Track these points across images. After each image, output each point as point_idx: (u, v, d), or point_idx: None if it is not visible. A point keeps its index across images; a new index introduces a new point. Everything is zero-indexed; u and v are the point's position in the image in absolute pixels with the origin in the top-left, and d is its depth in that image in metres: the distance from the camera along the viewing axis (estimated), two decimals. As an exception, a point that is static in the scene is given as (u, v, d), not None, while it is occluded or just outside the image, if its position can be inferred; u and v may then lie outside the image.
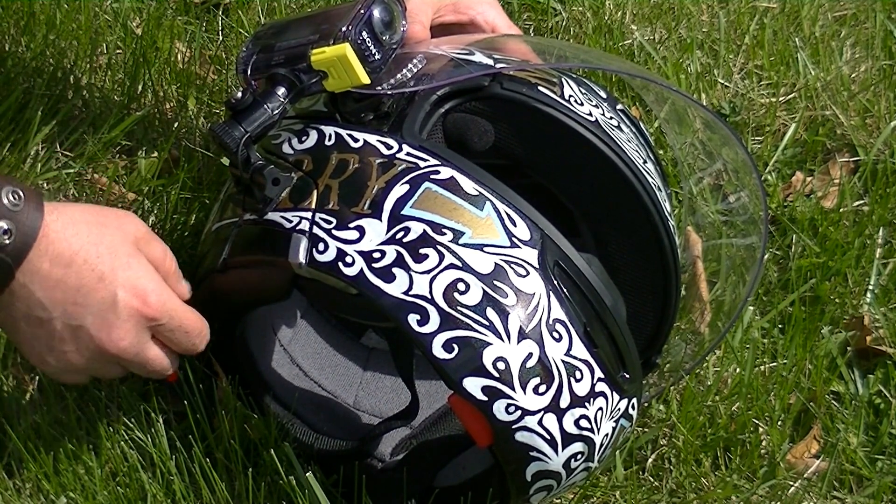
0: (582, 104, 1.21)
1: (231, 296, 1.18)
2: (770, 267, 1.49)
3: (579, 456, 1.11)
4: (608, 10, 1.81)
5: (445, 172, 1.10)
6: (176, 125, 1.55)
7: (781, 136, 1.66)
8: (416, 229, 1.07)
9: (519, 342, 1.07)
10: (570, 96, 1.20)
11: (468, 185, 1.09)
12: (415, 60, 1.13)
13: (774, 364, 1.39)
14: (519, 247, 1.08)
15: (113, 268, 1.06)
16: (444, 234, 1.07)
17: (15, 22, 1.63)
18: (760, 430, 1.33)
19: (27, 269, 1.04)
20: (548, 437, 1.09)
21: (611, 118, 1.22)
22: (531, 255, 1.08)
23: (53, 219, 1.04)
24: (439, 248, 1.07)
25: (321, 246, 1.08)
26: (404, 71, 1.12)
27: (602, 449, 1.13)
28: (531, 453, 1.09)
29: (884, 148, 1.63)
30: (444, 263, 1.07)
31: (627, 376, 1.13)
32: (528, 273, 1.08)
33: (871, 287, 1.48)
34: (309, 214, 1.10)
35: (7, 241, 1.02)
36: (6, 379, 1.28)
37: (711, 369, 1.38)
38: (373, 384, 1.32)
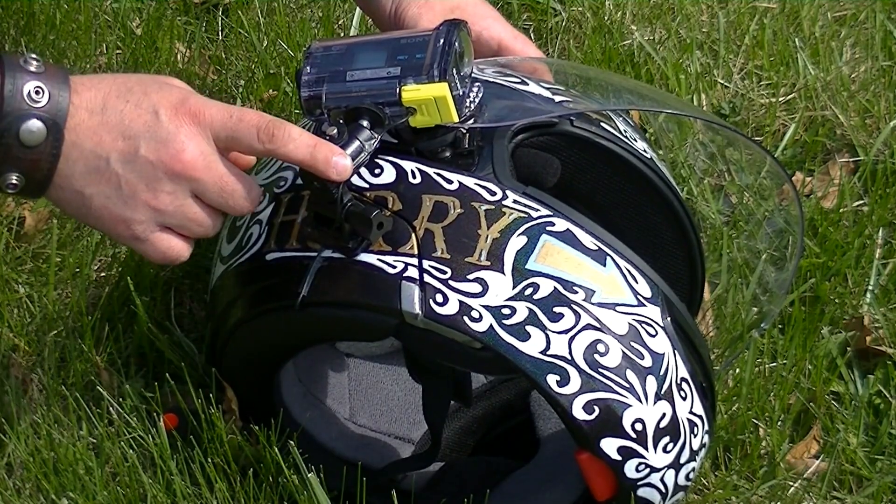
0: (636, 140, 1.20)
1: (299, 335, 1.15)
2: (770, 267, 1.49)
3: (676, 503, 1.14)
4: (608, 10, 1.81)
5: (560, 224, 1.08)
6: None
7: (781, 136, 1.66)
8: (546, 286, 1.06)
9: (656, 403, 1.07)
10: (625, 131, 1.20)
11: (587, 240, 1.08)
12: (474, 90, 1.10)
13: (774, 364, 1.39)
14: (645, 305, 1.08)
15: (146, 92, 1.04)
16: (577, 292, 1.06)
17: (15, 22, 1.63)
18: (760, 430, 1.33)
19: (70, 126, 1.02)
20: (664, 490, 1.11)
21: (652, 151, 1.23)
22: (655, 313, 1.08)
23: (76, 77, 1.03)
24: (574, 307, 1.06)
25: (439, 297, 1.05)
26: (468, 102, 1.09)
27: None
28: None
29: (883, 148, 1.63)
30: (582, 323, 1.06)
31: (715, 421, 1.15)
32: (656, 333, 1.08)
33: (870, 287, 1.48)
34: (415, 261, 1.07)
35: (43, 102, 1.01)
36: (6, 379, 1.28)
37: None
38: (362, 396, 1.30)
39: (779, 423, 1.34)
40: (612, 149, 1.18)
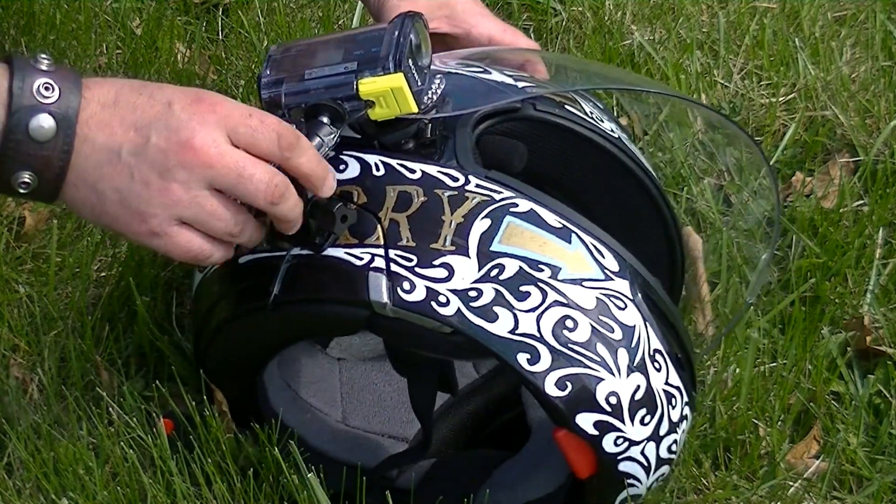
0: (602, 121, 1.21)
1: (276, 334, 1.15)
2: (770, 267, 1.49)
3: (661, 477, 1.14)
4: (608, 10, 1.81)
5: (524, 205, 1.08)
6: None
7: (781, 136, 1.66)
8: (512, 266, 1.06)
9: (629, 375, 1.07)
10: (591, 112, 1.20)
11: (551, 218, 1.08)
12: (437, 81, 1.10)
13: (774, 364, 1.39)
14: (613, 279, 1.08)
15: (160, 87, 1.02)
16: (542, 269, 1.06)
17: (15, 22, 1.63)
18: (760, 430, 1.33)
19: (82, 119, 1.00)
20: (646, 464, 1.11)
21: (621, 131, 1.23)
22: (624, 286, 1.08)
23: (88, 78, 1.02)
24: (540, 284, 1.06)
25: (406, 285, 1.06)
26: (430, 94, 1.09)
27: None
28: (628, 481, 1.11)
29: (884, 148, 1.63)
30: (549, 300, 1.06)
31: (695, 393, 1.15)
32: (626, 306, 1.08)
33: (870, 287, 1.48)
34: (381, 251, 1.07)
35: (53, 98, 0.99)
36: (6, 379, 1.28)
37: (711, 369, 1.38)
38: (354, 398, 1.31)
39: (779, 423, 1.34)
40: (576, 130, 1.18)
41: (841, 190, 1.57)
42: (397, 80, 1.05)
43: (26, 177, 1.01)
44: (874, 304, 1.46)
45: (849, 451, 1.32)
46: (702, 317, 1.44)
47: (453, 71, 1.15)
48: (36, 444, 1.22)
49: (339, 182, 1.09)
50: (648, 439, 1.10)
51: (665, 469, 1.13)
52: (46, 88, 1.00)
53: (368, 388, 1.31)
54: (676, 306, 1.26)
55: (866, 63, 1.75)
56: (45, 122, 1.00)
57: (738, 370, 1.37)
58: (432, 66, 1.12)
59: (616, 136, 1.20)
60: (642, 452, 1.10)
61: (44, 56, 1.01)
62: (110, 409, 1.25)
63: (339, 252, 1.08)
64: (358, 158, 1.10)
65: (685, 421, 1.13)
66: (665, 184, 1.55)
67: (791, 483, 1.30)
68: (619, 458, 1.09)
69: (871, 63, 1.75)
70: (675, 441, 1.12)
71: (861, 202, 1.58)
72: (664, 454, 1.12)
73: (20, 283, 1.38)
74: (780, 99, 1.69)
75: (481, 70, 1.16)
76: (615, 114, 1.63)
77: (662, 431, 1.10)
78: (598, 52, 1.73)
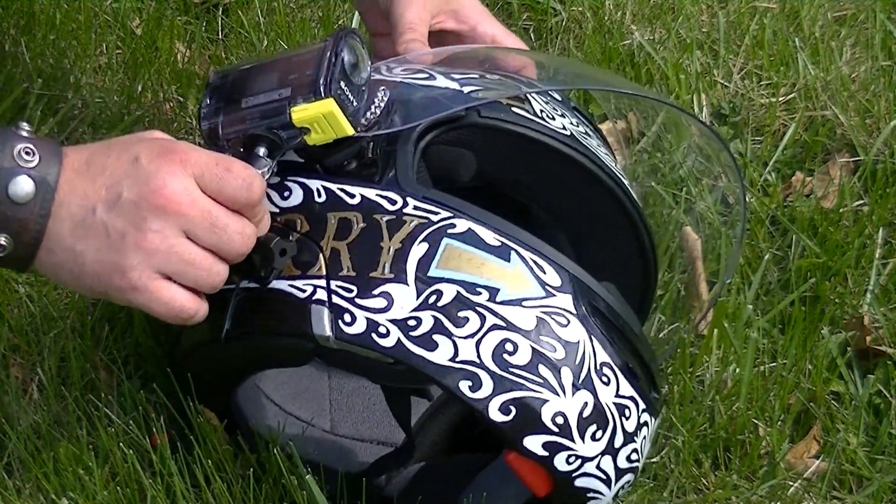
0: (553, 118, 1.18)
1: (235, 364, 1.15)
2: (770, 267, 1.49)
3: (627, 484, 1.13)
4: (608, 10, 1.81)
5: (461, 224, 1.06)
6: (176, 125, 1.55)
7: (781, 136, 1.66)
8: (449, 291, 1.05)
9: (574, 394, 1.06)
10: (542, 111, 1.18)
11: (488, 236, 1.07)
12: (379, 94, 1.08)
13: (774, 364, 1.39)
14: (554, 295, 1.07)
15: (126, 146, 1.02)
16: (480, 293, 1.05)
17: (15, 22, 1.63)
18: (760, 430, 1.33)
19: (59, 185, 1.01)
20: (604, 477, 1.10)
21: (578, 125, 1.20)
22: (567, 301, 1.07)
23: (66, 147, 1.03)
24: (478, 309, 1.05)
25: (347, 317, 1.05)
26: (373, 108, 1.08)
27: (643, 468, 1.14)
28: (588, 495, 1.10)
29: (884, 148, 1.63)
30: (487, 325, 1.05)
31: (657, 396, 1.14)
32: (568, 322, 1.07)
33: (870, 287, 1.48)
34: (322, 282, 1.06)
35: (34, 162, 1.00)
36: (6, 379, 1.28)
37: (711, 369, 1.38)
38: (343, 405, 1.30)
39: (779, 423, 1.34)
40: (523, 133, 1.16)
41: (841, 190, 1.57)
42: (327, 105, 1.04)
43: (2, 239, 1.01)
44: (874, 304, 1.46)
45: (849, 451, 1.32)
46: (703, 318, 1.44)
47: (399, 80, 1.13)
48: (36, 444, 1.22)
49: (283, 210, 1.08)
50: (603, 454, 1.08)
51: (629, 477, 1.12)
52: (27, 153, 1.01)
53: (358, 392, 1.31)
54: (649, 303, 1.25)
55: (866, 63, 1.75)
56: (24, 184, 1.00)
57: (738, 370, 1.37)
58: (377, 76, 1.11)
59: (567, 133, 1.17)
60: (598, 467, 1.09)
61: (24, 124, 1.02)
62: (108, 409, 1.25)
63: (283, 284, 1.07)
64: (301, 184, 1.09)
65: (646, 427, 1.12)
66: (664, 184, 1.55)
67: (791, 483, 1.30)
68: (574, 475, 1.08)
69: (871, 63, 1.75)
70: (635, 449, 1.11)
71: (861, 202, 1.57)
72: (623, 464, 1.11)
73: (20, 283, 1.38)
74: (780, 99, 1.69)
75: (427, 76, 1.14)
76: (615, 116, 1.63)
77: (618, 444, 1.09)
78: (598, 52, 1.73)
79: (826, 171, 1.62)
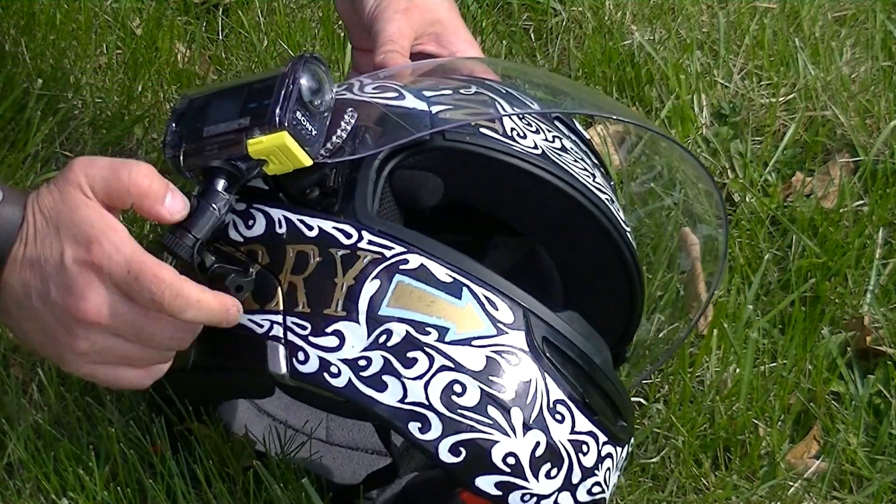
0: (525, 136, 1.15)
1: (206, 392, 1.15)
2: (770, 267, 1.49)
3: None
4: (608, 10, 1.81)
5: (414, 261, 1.05)
6: (176, 125, 1.54)
7: (781, 136, 1.66)
8: (399, 331, 1.03)
9: (525, 434, 1.04)
10: (512, 129, 1.15)
11: (440, 272, 1.05)
12: (346, 117, 1.07)
13: (774, 364, 1.39)
14: (506, 332, 1.05)
15: (58, 230, 1.01)
16: (429, 332, 1.03)
17: (15, 22, 1.63)
18: (760, 430, 1.33)
19: (10, 256, 1.01)
20: None
21: (553, 140, 1.18)
22: (519, 338, 1.05)
23: (36, 196, 1.02)
24: (427, 349, 1.03)
25: (301, 355, 1.04)
26: (339, 132, 1.06)
27: (611, 497, 1.13)
28: None
29: (884, 148, 1.63)
30: (436, 366, 1.03)
31: (625, 424, 1.12)
32: (520, 360, 1.05)
33: (871, 287, 1.48)
34: (279, 318, 1.05)
35: None
36: (6, 379, 1.28)
37: (711, 369, 1.38)
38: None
39: (779, 423, 1.34)
40: (489, 155, 1.13)
41: (841, 190, 1.57)
42: (280, 138, 1.02)
43: None
44: (874, 304, 1.46)
45: (849, 451, 1.32)
46: (702, 317, 1.44)
47: (367, 100, 1.11)
48: (36, 444, 1.22)
49: (247, 240, 1.07)
50: (559, 490, 1.06)
51: None
52: None
53: None
54: (639, 309, 1.22)
55: (866, 63, 1.75)
56: None
57: (738, 370, 1.37)
58: (348, 95, 1.10)
59: (538, 151, 1.15)
60: (556, 503, 1.07)
61: None
62: (109, 409, 1.25)
63: (243, 318, 1.06)
64: (265, 213, 1.07)
65: (609, 458, 1.10)
66: (664, 185, 1.55)
67: (791, 483, 1.30)
68: None
69: (871, 63, 1.75)
70: (597, 482, 1.09)
71: (861, 202, 1.58)
72: (584, 498, 1.09)
73: (20, 283, 1.38)
74: (780, 99, 1.69)
75: (396, 96, 1.12)
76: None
77: (575, 480, 1.07)
78: (598, 52, 1.73)
79: (826, 172, 1.63)
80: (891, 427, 1.35)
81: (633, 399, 1.35)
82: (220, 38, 1.72)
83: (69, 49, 1.62)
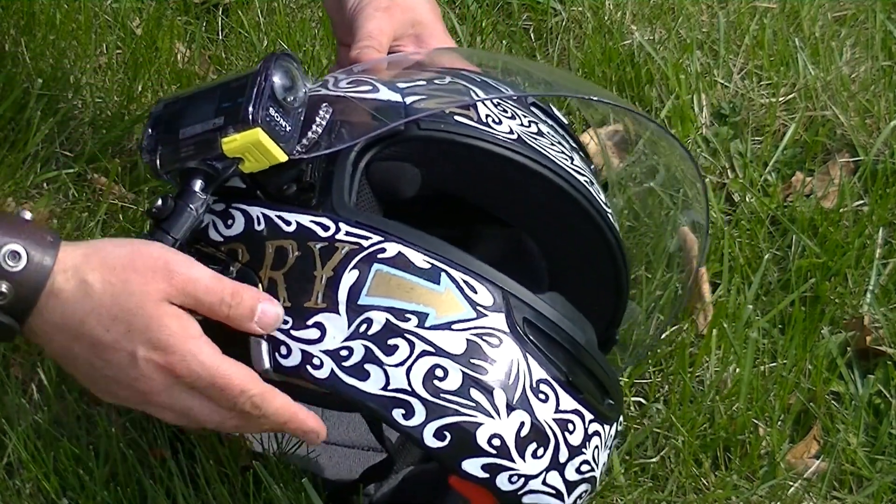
0: (500, 122, 1.15)
1: None
2: (770, 267, 1.49)
3: (585, 493, 1.11)
4: (608, 10, 1.81)
5: (391, 249, 1.05)
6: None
7: (781, 136, 1.66)
8: (379, 319, 1.04)
9: (509, 415, 1.05)
10: (487, 116, 1.15)
11: (418, 259, 1.05)
12: (321, 112, 1.07)
13: (774, 364, 1.39)
14: (486, 315, 1.05)
15: (129, 329, 1.01)
16: (409, 319, 1.04)
17: (15, 22, 1.63)
18: (760, 430, 1.33)
19: (37, 313, 1.00)
20: (554, 492, 1.08)
21: (529, 124, 1.18)
22: (499, 320, 1.05)
23: (64, 279, 1.00)
24: (407, 336, 1.03)
25: (283, 349, 1.04)
26: (314, 128, 1.06)
27: (602, 476, 1.13)
28: None
29: (884, 148, 1.63)
30: (417, 352, 1.03)
31: (612, 402, 1.12)
32: (501, 342, 1.05)
33: (871, 287, 1.48)
34: None
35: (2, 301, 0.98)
36: (6, 379, 1.28)
37: (711, 369, 1.38)
38: (333, 412, 1.29)
39: (779, 423, 1.34)
40: (465, 142, 1.13)
41: (841, 190, 1.57)
42: (254, 134, 1.03)
43: (3, 287, 0.99)
44: (874, 304, 1.46)
45: (849, 451, 1.32)
46: (703, 317, 1.44)
47: (341, 94, 1.11)
48: (36, 444, 1.22)
49: (227, 239, 1.07)
50: (547, 470, 1.07)
51: (584, 487, 1.10)
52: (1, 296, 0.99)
53: None
54: (621, 299, 1.22)
55: (866, 63, 1.75)
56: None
57: (738, 370, 1.37)
58: (322, 91, 1.10)
59: (514, 136, 1.15)
60: (544, 483, 1.07)
61: (11, 249, 0.99)
62: (109, 409, 1.25)
63: None
64: (243, 212, 1.08)
65: (597, 436, 1.10)
66: (663, 185, 1.55)
67: (791, 483, 1.30)
68: (520, 493, 1.07)
69: (871, 63, 1.75)
70: (585, 461, 1.09)
71: (861, 202, 1.58)
72: (574, 477, 1.09)
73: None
74: (780, 99, 1.69)
75: (370, 88, 1.12)
76: (612, 120, 1.63)
77: (563, 458, 1.07)
78: (598, 52, 1.73)
79: (826, 171, 1.63)
80: (891, 427, 1.35)
81: (632, 399, 1.36)
82: (220, 38, 1.72)
83: (69, 49, 1.62)
